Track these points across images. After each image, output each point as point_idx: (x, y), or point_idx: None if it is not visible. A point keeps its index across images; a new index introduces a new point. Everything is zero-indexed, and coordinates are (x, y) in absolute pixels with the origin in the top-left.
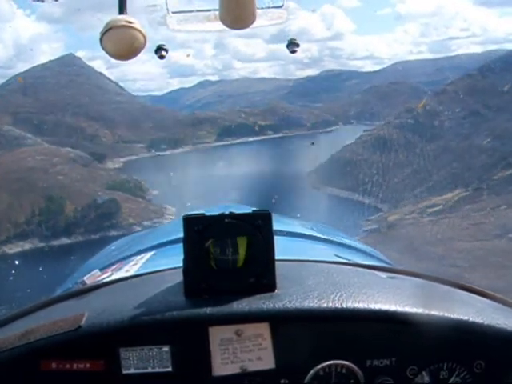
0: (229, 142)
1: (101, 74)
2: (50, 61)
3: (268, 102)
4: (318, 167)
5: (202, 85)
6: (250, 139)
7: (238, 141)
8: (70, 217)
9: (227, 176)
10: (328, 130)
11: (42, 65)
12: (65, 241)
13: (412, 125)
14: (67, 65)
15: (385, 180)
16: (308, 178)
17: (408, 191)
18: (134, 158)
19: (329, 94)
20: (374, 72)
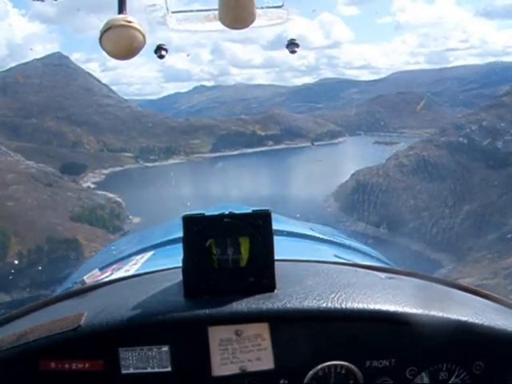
0: (225, 154)
1: (90, 74)
2: (35, 59)
3: (266, 110)
4: (338, 191)
5: (198, 90)
6: (249, 150)
7: (235, 152)
8: (13, 264)
9: (223, 197)
10: (335, 141)
11: (26, 64)
12: (3, 298)
13: (465, 145)
14: (53, 64)
15: (438, 219)
16: (326, 205)
17: (473, 238)
18: (118, 169)
19: (328, 103)
20: (374, 81)
